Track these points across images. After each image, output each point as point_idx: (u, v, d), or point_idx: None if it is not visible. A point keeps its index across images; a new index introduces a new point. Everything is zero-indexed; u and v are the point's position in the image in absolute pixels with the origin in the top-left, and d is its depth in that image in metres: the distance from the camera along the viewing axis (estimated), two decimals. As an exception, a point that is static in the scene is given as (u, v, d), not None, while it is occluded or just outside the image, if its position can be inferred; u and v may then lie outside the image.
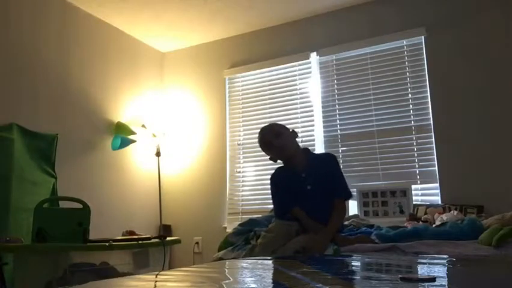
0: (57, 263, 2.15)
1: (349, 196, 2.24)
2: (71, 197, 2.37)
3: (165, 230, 3.95)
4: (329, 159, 2.26)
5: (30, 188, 2.87)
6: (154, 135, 3.97)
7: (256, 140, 2.28)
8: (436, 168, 3.16)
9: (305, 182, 2.14)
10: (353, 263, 1.56)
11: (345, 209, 2.26)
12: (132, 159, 3.90)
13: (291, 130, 2.26)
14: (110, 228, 3.20)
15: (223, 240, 2.31)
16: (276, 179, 2.25)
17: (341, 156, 3.46)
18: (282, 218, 2.11)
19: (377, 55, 3.50)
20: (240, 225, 2.42)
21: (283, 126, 2.26)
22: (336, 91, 3.63)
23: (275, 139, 2.16)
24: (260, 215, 2.60)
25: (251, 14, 3.74)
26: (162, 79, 4.41)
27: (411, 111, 3.34)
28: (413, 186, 3.19)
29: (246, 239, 2.21)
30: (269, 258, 1.75)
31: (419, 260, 1.56)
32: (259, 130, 2.27)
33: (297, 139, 2.26)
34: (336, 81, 3.64)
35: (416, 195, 3.19)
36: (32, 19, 3.16)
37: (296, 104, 3.79)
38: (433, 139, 3.20)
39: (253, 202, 3.81)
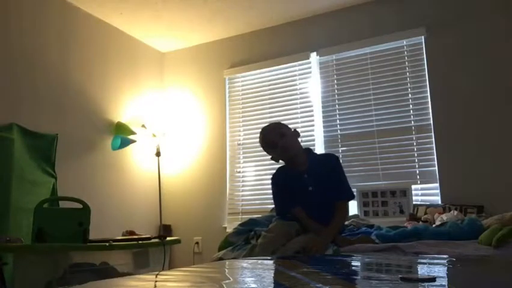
0: (57, 263, 2.15)
1: (351, 197, 2.21)
2: (71, 197, 2.37)
3: (165, 230, 3.94)
4: (331, 160, 2.24)
5: (30, 188, 2.86)
6: (154, 135, 3.97)
7: (257, 139, 2.26)
8: (436, 168, 3.16)
9: (307, 183, 2.13)
10: (353, 263, 1.56)
11: (347, 210, 2.25)
12: (132, 159, 3.90)
13: (293, 129, 2.25)
14: (110, 228, 3.20)
15: (223, 240, 2.30)
16: (278, 179, 2.24)
17: (341, 156, 3.45)
18: (283, 218, 2.10)
19: (377, 55, 3.50)
20: (240, 225, 2.41)
21: (285, 126, 2.25)
22: (336, 91, 3.62)
23: (279, 139, 2.15)
24: (260, 215, 2.59)
25: (251, 14, 3.74)
26: (162, 79, 4.41)
27: (411, 111, 3.34)
28: (413, 186, 3.19)
29: (246, 239, 2.21)
30: (269, 258, 1.75)
31: (419, 260, 1.56)
32: (259, 130, 2.26)
33: (298, 139, 2.26)
34: (336, 81, 3.64)
35: (416, 195, 3.19)
36: (32, 19, 3.16)
37: (296, 104, 3.78)
38: (433, 139, 3.20)
39: (253, 202, 3.81)
